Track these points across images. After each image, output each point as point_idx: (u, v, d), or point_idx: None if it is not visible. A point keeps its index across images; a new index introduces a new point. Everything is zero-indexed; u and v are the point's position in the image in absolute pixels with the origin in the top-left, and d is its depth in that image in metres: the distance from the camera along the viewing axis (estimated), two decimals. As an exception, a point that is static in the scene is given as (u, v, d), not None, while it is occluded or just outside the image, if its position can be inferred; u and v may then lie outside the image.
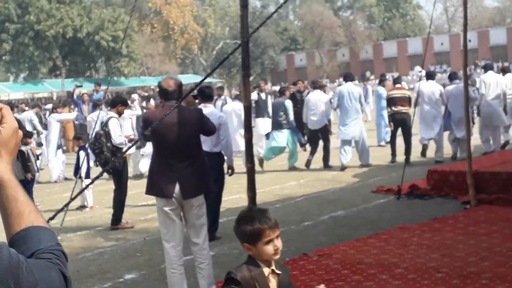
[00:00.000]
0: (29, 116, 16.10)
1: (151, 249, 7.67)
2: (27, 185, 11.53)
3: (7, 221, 1.42)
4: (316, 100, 13.75)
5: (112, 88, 51.66)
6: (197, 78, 58.12)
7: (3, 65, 54.55)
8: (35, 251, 1.37)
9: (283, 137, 13.58)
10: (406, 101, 13.67)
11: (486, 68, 14.62)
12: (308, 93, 15.40)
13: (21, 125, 13.38)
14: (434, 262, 6.26)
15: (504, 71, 15.01)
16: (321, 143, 13.87)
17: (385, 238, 7.38)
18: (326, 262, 6.53)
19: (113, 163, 8.60)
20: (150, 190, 5.79)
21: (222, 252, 7.33)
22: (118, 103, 9.62)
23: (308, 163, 13.65)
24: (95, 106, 14.83)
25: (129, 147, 8.75)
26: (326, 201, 9.96)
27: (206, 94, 8.37)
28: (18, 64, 52.84)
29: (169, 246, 5.65)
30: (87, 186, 6.05)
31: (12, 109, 11.51)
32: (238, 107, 12.93)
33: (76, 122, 18.46)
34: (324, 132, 13.81)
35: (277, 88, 25.79)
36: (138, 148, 13.22)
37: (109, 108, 10.02)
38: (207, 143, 7.34)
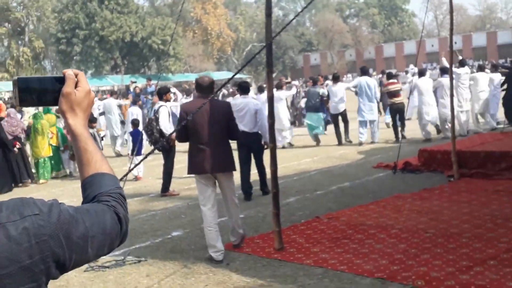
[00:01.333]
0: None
1: (193, 212, 7.73)
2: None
3: (80, 168, 1.44)
4: (337, 90, 13.82)
5: (161, 83, 51.86)
6: (230, 74, 58.05)
7: (74, 63, 55.09)
8: (97, 194, 1.37)
9: (317, 119, 13.88)
10: (399, 93, 13.62)
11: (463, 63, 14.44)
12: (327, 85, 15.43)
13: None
14: (423, 224, 6.24)
15: (480, 68, 14.84)
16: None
17: (383, 204, 7.36)
18: (334, 224, 6.54)
19: (161, 142, 8.67)
20: (190, 170, 5.99)
21: (249, 214, 7.36)
22: (164, 93, 9.69)
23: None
24: (134, 103, 14.94)
25: (174, 131, 8.78)
26: (335, 175, 9.93)
27: (244, 87, 8.79)
28: (86, 63, 53.44)
29: (206, 208, 5.79)
30: (141, 160, 6.07)
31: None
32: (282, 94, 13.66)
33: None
34: (344, 115, 13.95)
35: (296, 82, 25.65)
36: None
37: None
38: (247, 125, 8.22)
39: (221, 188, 5.94)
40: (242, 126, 7.90)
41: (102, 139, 12.16)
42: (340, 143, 13.84)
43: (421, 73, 13.82)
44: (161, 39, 52.13)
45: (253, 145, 8.34)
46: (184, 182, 10.07)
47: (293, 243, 5.90)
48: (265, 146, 8.21)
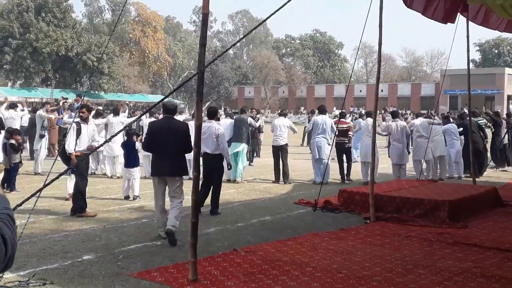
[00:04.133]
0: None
1: (108, 235, 7.42)
2: (12, 173, 11.12)
3: None
4: (280, 124, 13.48)
5: (93, 100, 50.75)
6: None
7: (3, 72, 52.99)
8: None
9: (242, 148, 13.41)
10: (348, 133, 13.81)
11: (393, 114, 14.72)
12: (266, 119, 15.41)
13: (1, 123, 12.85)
14: (337, 264, 6.25)
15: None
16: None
17: (300, 241, 7.35)
18: (251, 258, 6.44)
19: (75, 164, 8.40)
20: (151, 172, 7.53)
21: (166, 243, 7.13)
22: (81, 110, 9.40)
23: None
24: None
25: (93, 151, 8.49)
26: (257, 207, 9.89)
27: (211, 112, 9.67)
28: (16, 73, 51.52)
29: (157, 202, 7.41)
30: (54, 179, 5.73)
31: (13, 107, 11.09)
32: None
33: (58, 125, 17.91)
34: (285, 150, 13.37)
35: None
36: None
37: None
38: (210, 147, 9.09)
39: (170, 189, 7.27)
40: (205, 148, 8.95)
41: (22, 151, 11.52)
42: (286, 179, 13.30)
43: (368, 115, 14.21)
44: (96, 57, 51.11)
45: (214, 166, 9.18)
46: (103, 203, 9.72)
47: (208, 275, 5.74)
48: (228, 167, 9.47)
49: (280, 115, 14.70)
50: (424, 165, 13.60)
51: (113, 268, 5.86)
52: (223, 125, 11.27)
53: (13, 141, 11.09)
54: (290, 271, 5.93)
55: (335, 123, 13.62)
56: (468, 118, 13.67)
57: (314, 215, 9.30)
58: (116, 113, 14.53)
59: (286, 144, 13.41)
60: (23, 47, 49.57)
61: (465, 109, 27.02)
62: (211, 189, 9.24)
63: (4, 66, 50.65)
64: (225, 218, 8.83)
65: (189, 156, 8.05)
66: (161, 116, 8.70)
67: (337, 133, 13.14)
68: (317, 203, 9.71)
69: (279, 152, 13.23)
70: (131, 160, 10.27)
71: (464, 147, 14.75)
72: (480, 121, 16.56)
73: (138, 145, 10.56)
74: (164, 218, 7.25)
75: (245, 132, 13.29)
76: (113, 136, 5.41)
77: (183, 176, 7.51)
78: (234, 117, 13.96)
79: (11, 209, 1.36)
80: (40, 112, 15.33)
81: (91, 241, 7.07)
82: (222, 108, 46.96)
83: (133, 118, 13.82)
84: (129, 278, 5.53)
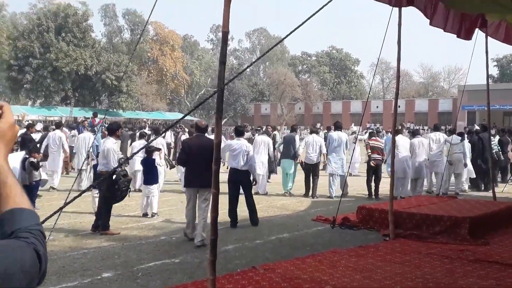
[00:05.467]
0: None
1: (127, 252, 7.43)
2: (33, 190, 11.21)
3: None
4: (314, 141, 13.70)
5: (111, 118, 51.22)
6: (181, 116, 57.96)
7: (24, 92, 53.75)
8: (15, 229, 1.29)
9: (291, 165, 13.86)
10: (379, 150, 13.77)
11: (414, 133, 14.94)
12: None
13: (32, 142, 13.02)
14: (357, 282, 6.18)
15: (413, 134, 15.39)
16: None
17: (319, 259, 7.29)
18: (270, 275, 6.39)
19: (102, 178, 8.44)
20: (184, 184, 8.55)
21: (185, 260, 7.12)
22: (116, 129, 9.51)
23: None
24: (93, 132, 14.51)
25: (118, 165, 8.54)
26: (275, 225, 9.84)
27: (239, 131, 10.50)
28: (36, 92, 52.22)
29: (187, 208, 8.35)
30: (77, 196, 5.76)
31: (30, 127, 11.10)
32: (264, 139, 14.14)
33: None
34: (317, 167, 13.82)
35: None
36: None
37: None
38: (239, 163, 9.72)
39: (200, 198, 8.20)
40: (235, 164, 9.71)
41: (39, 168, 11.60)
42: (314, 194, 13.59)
43: (376, 133, 14.37)
44: (115, 75, 51.69)
45: (242, 180, 9.76)
46: (122, 220, 9.76)
47: (226, 292, 5.71)
48: (254, 182, 10.09)
49: (311, 132, 14.69)
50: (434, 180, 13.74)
51: (133, 286, 5.86)
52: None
53: (32, 159, 11.20)
54: (309, 289, 5.87)
55: (368, 141, 13.95)
56: (477, 133, 13.83)
57: (332, 232, 9.22)
58: (141, 137, 14.82)
59: (319, 162, 13.81)
60: (44, 66, 50.32)
61: (475, 125, 26.84)
62: (246, 202, 9.80)
63: (25, 86, 51.41)
64: (243, 235, 8.80)
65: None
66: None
67: (369, 152, 13.33)
68: (335, 220, 9.64)
69: (311, 169, 13.63)
70: (150, 177, 10.30)
71: (473, 162, 14.82)
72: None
73: (158, 161, 10.62)
74: (193, 222, 8.25)
75: (292, 150, 13.76)
76: (135, 153, 5.43)
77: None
78: (283, 135, 14.39)
79: (41, 224, 1.37)
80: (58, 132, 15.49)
81: (110, 259, 7.08)
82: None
83: (153, 137, 13.93)
84: (148, 296, 5.52)
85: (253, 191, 10.42)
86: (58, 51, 50.28)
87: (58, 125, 16.88)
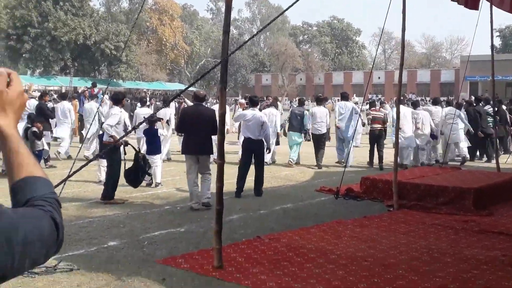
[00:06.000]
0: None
1: (132, 222, 7.46)
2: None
3: (10, 171, 1.32)
4: (320, 112, 13.85)
5: (111, 88, 50.99)
6: (181, 86, 57.70)
7: (23, 61, 53.38)
8: (30, 198, 1.27)
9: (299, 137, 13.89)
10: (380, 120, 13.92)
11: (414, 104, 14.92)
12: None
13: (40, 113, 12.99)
14: (362, 252, 6.22)
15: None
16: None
17: (324, 229, 7.32)
18: (275, 245, 6.43)
19: (109, 147, 8.42)
20: (182, 151, 8.83)
21: (190, 229, 7.15)
22: (121, 99, 9.54)
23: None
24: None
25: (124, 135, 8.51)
26: (279, 195, 9.86)
27: (253, 101, 10.60)
28: (35, 61, 51.91)
29: (190, 176, 8.43)
30: (85, 164, 5.72)
31: (44, 96, 11.01)
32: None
33: (79, 113, 18.06)
34: (325, 138, 13.94)
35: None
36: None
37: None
38: (254, 133, 9.73)
39: (200, 165, 8.43)
40: (249, 134, 9.74)
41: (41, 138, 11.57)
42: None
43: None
44: (114, 45, 51.27)
45: (257, 150, 9.79)
46: (126, 190, 9.75)
47: (232, 261, 5.74)
48: (267, 151, 10.33)
49: (318, 103, 14.61)
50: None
51: (139, 254, 5.89)
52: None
53: (35, 129, 11.17)
54: (315, 259, 5.90)
55: (369, 111, 14.39)
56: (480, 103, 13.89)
57: (336, 203, 9.25)
58: (143, 103, 14.79)
59: (326, 132, 13.90)
60: (42, 36, 49.87)
61: (472, 96, 26.78)
62: (255, 171, 9.83)
63: (24, 55, 51.04)
64: (247, 205, 8.83)
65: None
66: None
67: (370, 121, 13.51)
68: (339, 190, 9.65)
69: (319, 140, 13.72)
70: (153, 148, 10.28)
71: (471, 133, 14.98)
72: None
73: (161, 132, 10.58)
74: (196, 190, 8.36)
75: (301, 123, 13.80)
76: (140, 124, 5.41)
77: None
78: (291, 108, 14.43)
79: (55, 193, 1.35)
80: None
81: (115, 228, 7.11)
82: (240, 96, 46.96)
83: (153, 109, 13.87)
84: (155, 265, 5.56)
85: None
86: (56, 20, 49.76)
87: (64, 96, 16.78)
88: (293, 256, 6.00)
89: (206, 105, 10.19)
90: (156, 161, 10.27)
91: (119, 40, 51.28)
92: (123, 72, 53.14)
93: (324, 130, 13.75)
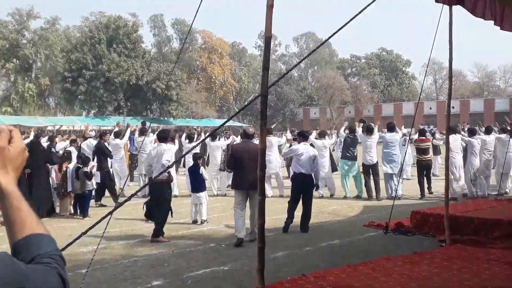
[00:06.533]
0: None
1: (177, 260, 7.43)
2: (85, 199, 11.46)
3: (11, 229, 1.30)
4: (372, 143, 13.80)
5: (163, 126, 52.21)
6: (230, 123, 58.38)
7: (78, 102, 55.41)
8: (35, 256, 1.26)
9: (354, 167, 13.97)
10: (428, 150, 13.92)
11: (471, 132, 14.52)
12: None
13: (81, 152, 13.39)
14: (412, 290, 5.95)
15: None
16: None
17: (372, 266, 7.08)
18: (321, 283, 6.24)
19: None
20: (232, 185, 9.15)
21: (234, 267, 7.06)
22: (167, 137, 9.78)
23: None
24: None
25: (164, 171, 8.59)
26: (326, 231, 9.66)
27: (304, 135, 10.64)
28: (90, 102, 53.76)
29: (237, 209, 8.75)
30: (122, 203, 5.77)
31: (103, 136, 11.48)
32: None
33: (130, 152, 18.44)
34: (376, 168, 13.85)
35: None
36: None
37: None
38: (305, 168, 9.76)
39: (250, 200, 8.76)
40: (301, 168, 9.71)
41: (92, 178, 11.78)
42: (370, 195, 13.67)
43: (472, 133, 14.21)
44: (165, 84, 52.61)
45: (306, 185, 9.75)
46: (172, 228, 9.79)
47: (276, 301, 5.60)
48: (315, 188, 10.22)
49: (367, 132, 14.50)
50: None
51: (182, 294, 5.84)
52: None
53: (86, 169, 11.45)
54: (362, 298, 5.68)
55: (415, 141, 14.09)
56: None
57: (385, 238, 8.97)
58: (191, 140, 14.93)
59: (377, 162, 13.80)
60: (96, 77, 51.78)
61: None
62: (303, 207, 9.73)
63: (79, 97, 53.00)
64: (293, 241, 8.67)
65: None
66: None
67: (415, 152, 13.40)
68: (388, 225, 9.37)
69: (370, 169, 13.65)
70: (197, 184, 10.32)
71: None
72: None
73: (203, 169, 10.58)
74: (242, 223, 8.67)
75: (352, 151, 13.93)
76: (181, 158, 5.45)
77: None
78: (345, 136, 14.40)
79: (59, 249, 1.34)
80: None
81: (160, 266, 7.10)
82: (288, 130, 47.02)
83: (196, 143, 14.06)
84: (197, 305, 5.48)
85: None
86: (110, 62, 51.63)
87: (117, 134, 17.21)
88: (339, 295, 5.80)
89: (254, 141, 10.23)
90: (201, 198, 10.29)
91: (169, 79, 52.61)
92: (174, 110, 54.31)
93: (375, 160, 13.61)
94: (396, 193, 12.02)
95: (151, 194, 9.15)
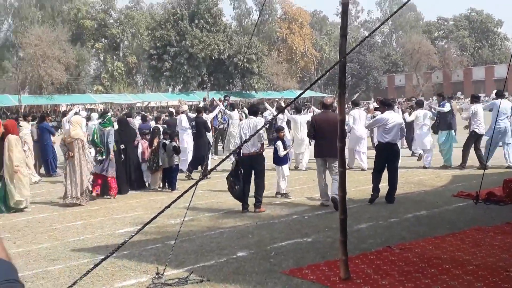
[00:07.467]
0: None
1: (260, 232, 7.55)
2: (173, 173, 11.85)
3: None
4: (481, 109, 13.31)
5: (245, 100, 52.85)
6: (312, 93, 57.93)
7: (164, 79, 57.05)
8: None
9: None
10: None
11: None
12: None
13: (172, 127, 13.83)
14: (504, 262, 5.72)
15: None
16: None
17: (461, 237, 6.85)
18: (406, 255, 6.13)
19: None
20: (314, 153, 9.56)
21: (317, 239, 7.07)
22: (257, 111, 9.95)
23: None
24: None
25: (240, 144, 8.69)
26: (412, 202, 9.42)
27: (388, 104, 10.41)
28: (175, 78, 55.24)
29: (320, 175, 9.35)
30: (203, 177, 5.92)
31: (173, 114, 11.87)
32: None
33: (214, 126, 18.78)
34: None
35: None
36: None
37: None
38: (393, 137, 9.56)
39: (329, 167, 9.21)
40: (388, 137, 9.53)
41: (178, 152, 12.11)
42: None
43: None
44: (246, 58, 52.94)
45: (392, 154, 9.62)
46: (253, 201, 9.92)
47: (360, 273, 5.57)
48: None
49: (472, 101, 14.00)
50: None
51: (266, 265, 5.93)
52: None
53: (175, 144, 11.81)
54: (450, 270, 5.53)
55: None
56: None
57: (475, 208, 8.62)
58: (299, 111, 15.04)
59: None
60: (180, 53, 53.01)
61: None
62: (389, 177, 9.53)
63: (165, 73, 54.57)
64: (377, 213, 8.54)
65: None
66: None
67: None
68: (478, 195, 8.99)
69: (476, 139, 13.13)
70: (279, 157, 10.35)
71: None
72: None
73: (279, 144, 10.46)
74: (326, 188, 9.22)
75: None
76: (257, 132, 5.46)
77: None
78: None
79: (13, 280, 1.15)
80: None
81: (244, 238, 7.24)
82: (372, 99, 46.04)
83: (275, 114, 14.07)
84: (281, 276, 5.55)
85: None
86: (193, 38, 52.61)
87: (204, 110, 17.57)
88: (426, 267, 5.67)
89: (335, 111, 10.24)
90: (283, 171, 10.33)
91: (251, 53, 52.85)
92: (256, 83, 54.64)
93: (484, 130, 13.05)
94: (487, 162, 11.47)
95: (244, 166, 9.23)
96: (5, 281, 1.11)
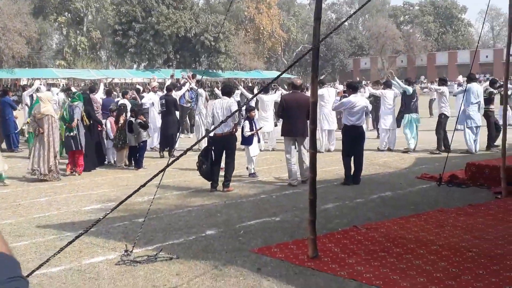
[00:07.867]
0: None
1: (229, 211, 7.58)
2: (140, 151, 11.73)
3: None
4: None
5: (211, 79, 52.53)
6: (278, 74, 57.99)
7: (129, 55, 56.15)
8: None
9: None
10: None
11: None
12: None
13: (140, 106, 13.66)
14: (466, 242, 5.89)
15: None
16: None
17: (425, 218, 7.03)
18: (372, 235, 6.26)
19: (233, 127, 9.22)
20: (282, 133, 9.64)
21: (285, 218, 7.14)
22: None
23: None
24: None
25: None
26: (377, 183, 9.60)
27: (354, 87, 10.40)
28: (140, 55, 54.40)
29: (289, 156, 9.45)
30: (180, 155, 5.87)
31: (140, 91, 11.71)
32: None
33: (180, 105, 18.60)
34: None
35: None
36: None
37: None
38: (358, 119, 9.69)
39: (298, 146, 9.45)
40: (353, 120, 9.65)
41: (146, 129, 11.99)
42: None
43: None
44: (213, 36, 52.50)
45: (358, 136, 9.73)
46: (223, 179, 9.93)
47: (328, 252, 5.66)
48: None
49: (441, 83, 14.20)
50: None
51: (235, 244, 5.96)
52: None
53: (139, 120, 11.67)
54: (415, 249, 5.67)
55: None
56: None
57: (438, 190, 8.84)
58: (266, 91, 15.03)
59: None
60: (146, 30, 52.17)
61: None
62: (355, 159, 9.66)
63: (130, 50, 53.66)
64: (343, 193, 8.67)
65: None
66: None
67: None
68: (442, 177, 9.21)
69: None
70: (248, 137, 10.37)
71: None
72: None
73: (246, 123, 10.48)
74: (294, 168, 9.38)
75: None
76: (233, 113, 5.45)
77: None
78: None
79: (22, 276, 1.10)
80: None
81: (213, 217, 7.26)
82: (337, 82, 46.39)
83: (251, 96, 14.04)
84: (250, 254, 5.60)
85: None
86: (159, 15, 51.80)
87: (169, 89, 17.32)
88: (392, 246, 5.81)
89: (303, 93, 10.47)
90: (251, 150, 10.35)
91: (217, 31, 52.44)
92: (222, 63, 54.31)
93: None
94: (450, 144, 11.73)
95: (216, 146, 9.18)
96: (9, 279, 1.06)
